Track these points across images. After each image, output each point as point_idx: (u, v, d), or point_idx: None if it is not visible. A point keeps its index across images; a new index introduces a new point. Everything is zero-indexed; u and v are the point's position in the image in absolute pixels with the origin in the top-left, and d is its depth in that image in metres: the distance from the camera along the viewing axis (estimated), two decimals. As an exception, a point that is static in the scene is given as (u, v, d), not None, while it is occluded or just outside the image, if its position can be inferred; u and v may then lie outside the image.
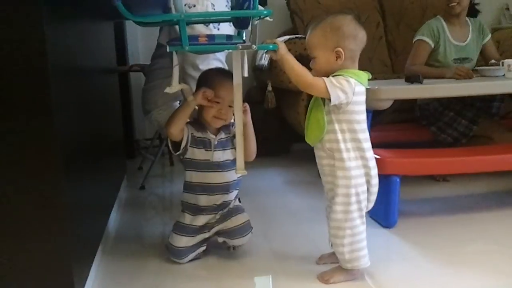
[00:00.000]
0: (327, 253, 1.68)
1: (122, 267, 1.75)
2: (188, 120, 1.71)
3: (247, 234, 1.75)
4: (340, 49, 1.49)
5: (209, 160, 1.72)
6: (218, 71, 1.75)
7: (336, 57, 1.49)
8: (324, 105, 1.49)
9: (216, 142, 1.72)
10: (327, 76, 1.47)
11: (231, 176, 1.73)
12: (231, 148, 1.74)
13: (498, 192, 2.52)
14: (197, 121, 1.75)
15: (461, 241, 1.89)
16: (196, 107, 1.70)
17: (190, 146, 1.71)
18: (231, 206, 1.77)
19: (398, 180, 1.99)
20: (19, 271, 1.24)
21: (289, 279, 1.61)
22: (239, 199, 1.85)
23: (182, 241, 1.72)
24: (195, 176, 1.74)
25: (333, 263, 1.63)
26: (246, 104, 1.63)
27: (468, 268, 1.65)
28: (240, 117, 1.56)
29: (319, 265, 1.67)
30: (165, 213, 2.44)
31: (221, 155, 1.73)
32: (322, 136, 1.49)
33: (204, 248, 1.77)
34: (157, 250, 1.89)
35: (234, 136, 1.66)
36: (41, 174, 1.21)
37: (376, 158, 2.02)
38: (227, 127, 1.75)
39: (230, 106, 1.67)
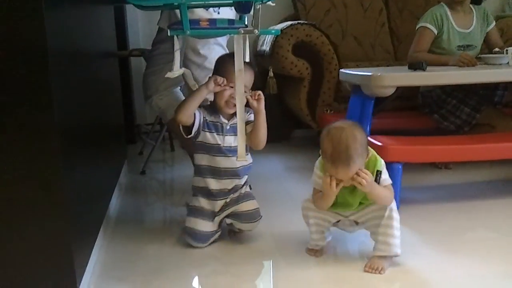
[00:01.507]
0: (320, 247, 1.68)
1: (122, 251, 1.75)
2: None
3: (256, 220, 1.75)
4: None
5: (220, 144, 1.71)
6: (230, 56, 1.72)
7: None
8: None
9: (228, 127, 1.71)
10: None
11: (241, 161, 1.71)
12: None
13: (499, 180, 2.51)
14: (212, 105, 1.74)
15: (462, 229, 1.89)
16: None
17: (202, 130, 1.70)
18: (242, 191, 1.77)
19: (400, 167, 1.99)
20: (20, 256, 1.24)
21: (289, 263, 1.62)
22: (249, 186, 1.83)
23: (207, 226, 1.72)
24: (205, 159, 1.73)
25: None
26: (260, 92, 1.63)
27: (469, 255, 1.65)
28: (241, 102, 1.55)
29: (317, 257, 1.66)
30: (165, 198, 2.44)
31: (232, 140, 1.71)
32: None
33: (219, 233, 1.77)
34: (157, 234, 1.90)
35: (247, 123, 1.67)
36: (41, 159, 1.20)
37: (378, 145, 2.03)
38: None
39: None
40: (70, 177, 1.31)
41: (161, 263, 1.65)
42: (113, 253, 1.74)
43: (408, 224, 1.92)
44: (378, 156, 1.54)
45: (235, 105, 1.62)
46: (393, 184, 1.96)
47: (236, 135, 1.67)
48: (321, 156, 1.54)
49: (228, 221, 1.78)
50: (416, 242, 1.78)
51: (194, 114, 1.67)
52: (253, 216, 1.75)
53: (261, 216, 1.78)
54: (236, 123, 1.66)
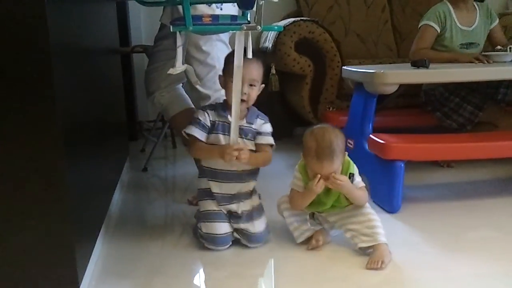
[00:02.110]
0: (311, 233, 1.71)
1: (124, 248, 1.75)
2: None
3: (265, 239, 1.73)
4: None
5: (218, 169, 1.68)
6: None
7: None
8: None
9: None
10: None
11: (244, 165, 1.67)
12: (251, 140, 1.70)
13: (502, 179, 2.50)
14: (223, 103, 1.73)
15: (464, 227, 1.88)
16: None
17: (215, 132, 1.67)
18: (254, 203, 1.73)
19: (402, 165, 1.98)
20: (21, 253, 1.24)
21: (291, 261, 1.62)
22: (259, 195, 1.80)
23: (224, 227, 1.69)
24: (207, 160, 1.71)
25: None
26: (244, 149, 1.60)
27: (471, 254, 1.65)
28: (238, 97, 1.53)
29: (318, 247, 1.68)
30: (167, 195, 2.43)
31: (239, 141, 1.66)
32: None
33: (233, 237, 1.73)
34: (159, 232, 1.90)
35: (258, 133, 1.69)
36: (43, 156, 1.20)
37: (380, 143, 2.03)
38: (252, 116, 1.70)
39: (251, 85, 1.64)
40: (72, 174, 1.31)
41: (163, 260, 1.65)
42: (115, 250, 1.74)
43: (410, 222, 1.92)
44: (351, 161, 1.67)
45: (243, 100, 1.61)
46: (395, 183, 1.98)
47: (242, 138, 1.67)
48: (301, 160, 1.67)
49: (236, 235, 1.72)
50: (418, 240, 1.77)
51: (200, 128, 1.67)
52: (263, 237, 1.72)
53: (269, 233, 1.75)
54: (244, 126, 1.67)
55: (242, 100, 1.61)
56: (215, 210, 1.71)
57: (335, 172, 1.58)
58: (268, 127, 1.73)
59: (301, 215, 1.72)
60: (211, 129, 1.68)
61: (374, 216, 1.65)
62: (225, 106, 1.69)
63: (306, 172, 1.67)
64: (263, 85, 1.71)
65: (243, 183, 1.72)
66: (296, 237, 1.71)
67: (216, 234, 1.67)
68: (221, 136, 1.67)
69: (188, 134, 1.67)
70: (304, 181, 1.67)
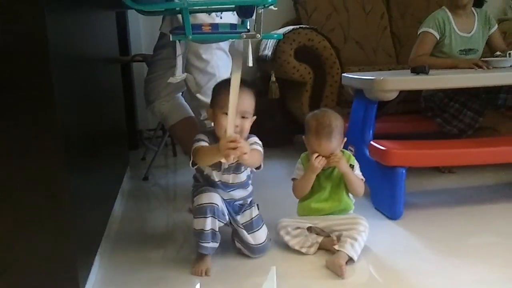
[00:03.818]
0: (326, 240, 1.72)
1: (125, 257, 1.75)
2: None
3: (267, 249, 1.71)
4: None
5: (215, 180, 1.66)
6: (226, 81, 1.52)
7: None
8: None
9: (226, 166, 1.64)
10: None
11: (239, 193, 1.69)
12: (244, 171, 1.68)
13: (503, 184, 2.50)
14: (214, 135, 1.63)
15: (466, 233, 1.88)
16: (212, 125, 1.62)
17: (208, 166, 1.63)
18: (253, 214, 1.71)
19: (403, 171, 1.98)
20: (23, 262, 1.24)
21: (292, 269, 1.61)
22: (257, 206, 1.76)
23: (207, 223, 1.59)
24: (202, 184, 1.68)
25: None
26: (238, 141, 1.44)
27: (473, 260, 1.64)
28: (234, 100, 1.42)
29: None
30: (168, 203, 2.43)
31: (231, 178, 1.66)
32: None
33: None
34: (160, 240, 1.89)
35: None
36: (43, 165, 1.20)
37: (381, 150, 2.03)
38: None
39: (243, 117, 1.58)
40: (72, 184, 1.30)
41: (164, 270, 1.64)
42: (116, 259, 1.73)
43: (411, 228, 1.91)
44: (352, 155, 1.80)
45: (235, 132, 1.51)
46: (397, 189, 1.98)
47: (235, 173, 1.65)
48: (302, 155, 1.81)
49: (238, 245, 1.71)
50: (420, 247, 1.76)
51: (205, 141, 1.62)
52: (265, 248, 1.70)
53: (271, 240, 1.74)
54: (234, 163, 1.61)
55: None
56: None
57: (333, 152, 1.69)
58: (256, 139, 1.67)
59: (300, 235, 1.73)
60: None
61: (363, 230, 1.67)
62: (217, 138, 1.58)
63: (308, 162, 1.74)
64: (255, 117, 1.63)
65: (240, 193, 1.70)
66: (306, 252, 1.71)
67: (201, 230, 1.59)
68: (213, 172, 1.64)
69: (195, 149, 1.60)
70: (304, 173, 1.75)
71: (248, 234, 1.68)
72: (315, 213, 1.76)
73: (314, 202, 1.77)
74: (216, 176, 1.65)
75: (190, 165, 1.63)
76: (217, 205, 1.60)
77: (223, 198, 1.65)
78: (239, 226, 1.68)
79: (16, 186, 1.20)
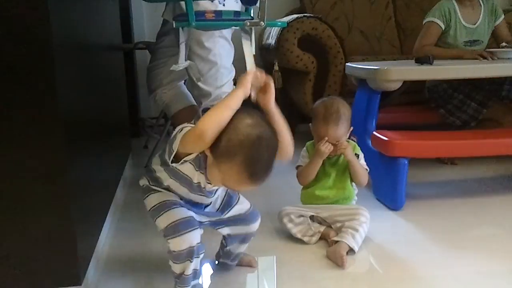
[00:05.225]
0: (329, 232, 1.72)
1: (126, 245, 1.75)
2: None
3: (259, 215, 1.47)
4: None
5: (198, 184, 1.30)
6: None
7: None
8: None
9: (208, 190, 1.34)
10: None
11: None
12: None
13: (505, 176, 2.49)
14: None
15: (467, 225, 1.87)
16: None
17: (190, 162, 1.24)
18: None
19: (406, 162, 1.97)
20: (23, 249, 1.24)
21: (293, 258, 1.61)
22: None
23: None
24: (172, 184, 1.34)
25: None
26: (267, 80, 1.27)
27: (474, 252, 1.64)
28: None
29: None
30: (169, 192, 2.43)
31: (213, 198, 1.40)
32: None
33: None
34: (161, 229, 1.89)
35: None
36: (45, 152, 1.19)
37: (384, 140, 2.02)
38: None
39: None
40: (74, 170, 1.30)
41: (164, 258, 1.64)
42: (117, 248, 1.73)
43: (413, 219, 1.91)
44: (357, 145, 1.82)
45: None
46: (399, 180, 1.97)
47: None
48: (307, 143, 1.84)
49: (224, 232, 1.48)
50: (421, 238, 1.76)
51: None
52: (255, 213, 1.47)
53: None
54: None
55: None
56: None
57: (339, 140, 1.71)
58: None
59: (303, 223, 1.73)
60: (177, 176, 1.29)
61: (364, 221, 1.68)
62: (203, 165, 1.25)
63: (313, 150, 1.78)
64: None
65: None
66: (308, 241, 1.71)
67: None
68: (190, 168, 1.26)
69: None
70: (311, 159, 1.78)
71: (240, 225, 1.45)
72: (319, 201, 1.77)
73: (318, 189, 1.77)
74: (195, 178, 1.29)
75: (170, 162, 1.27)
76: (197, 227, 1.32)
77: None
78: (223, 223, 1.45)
79: (17, 173, 1.20)
